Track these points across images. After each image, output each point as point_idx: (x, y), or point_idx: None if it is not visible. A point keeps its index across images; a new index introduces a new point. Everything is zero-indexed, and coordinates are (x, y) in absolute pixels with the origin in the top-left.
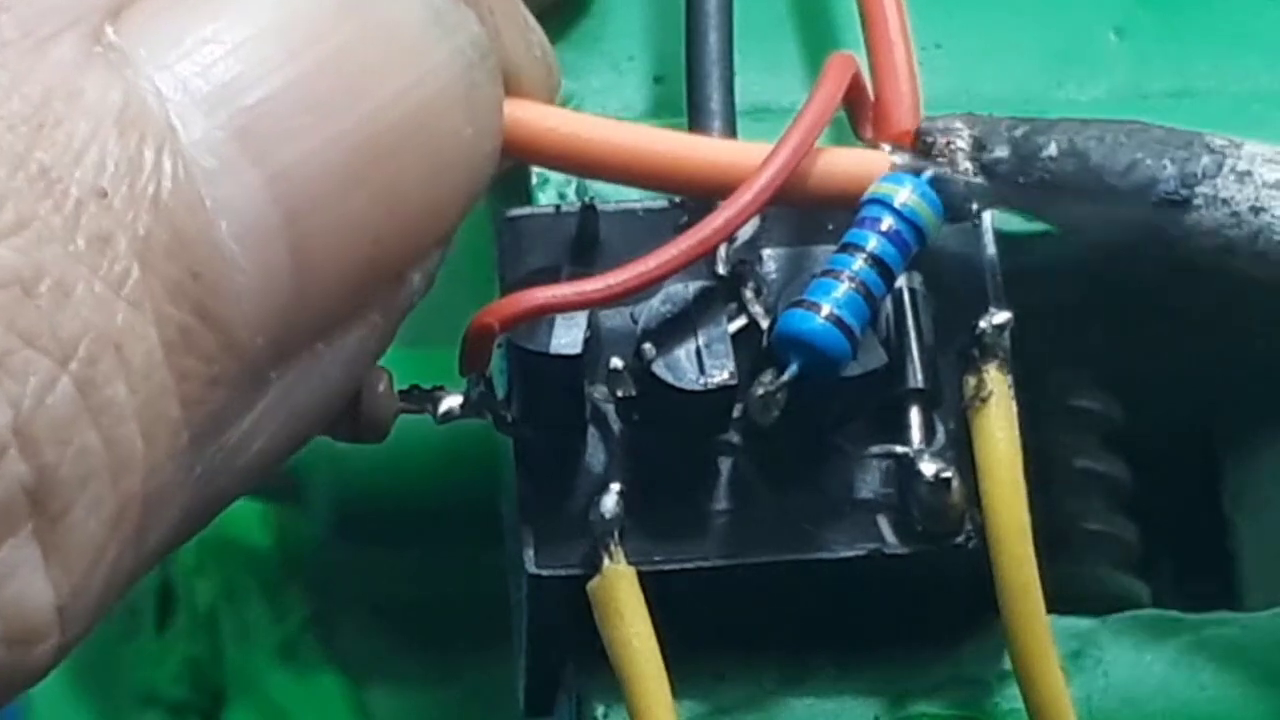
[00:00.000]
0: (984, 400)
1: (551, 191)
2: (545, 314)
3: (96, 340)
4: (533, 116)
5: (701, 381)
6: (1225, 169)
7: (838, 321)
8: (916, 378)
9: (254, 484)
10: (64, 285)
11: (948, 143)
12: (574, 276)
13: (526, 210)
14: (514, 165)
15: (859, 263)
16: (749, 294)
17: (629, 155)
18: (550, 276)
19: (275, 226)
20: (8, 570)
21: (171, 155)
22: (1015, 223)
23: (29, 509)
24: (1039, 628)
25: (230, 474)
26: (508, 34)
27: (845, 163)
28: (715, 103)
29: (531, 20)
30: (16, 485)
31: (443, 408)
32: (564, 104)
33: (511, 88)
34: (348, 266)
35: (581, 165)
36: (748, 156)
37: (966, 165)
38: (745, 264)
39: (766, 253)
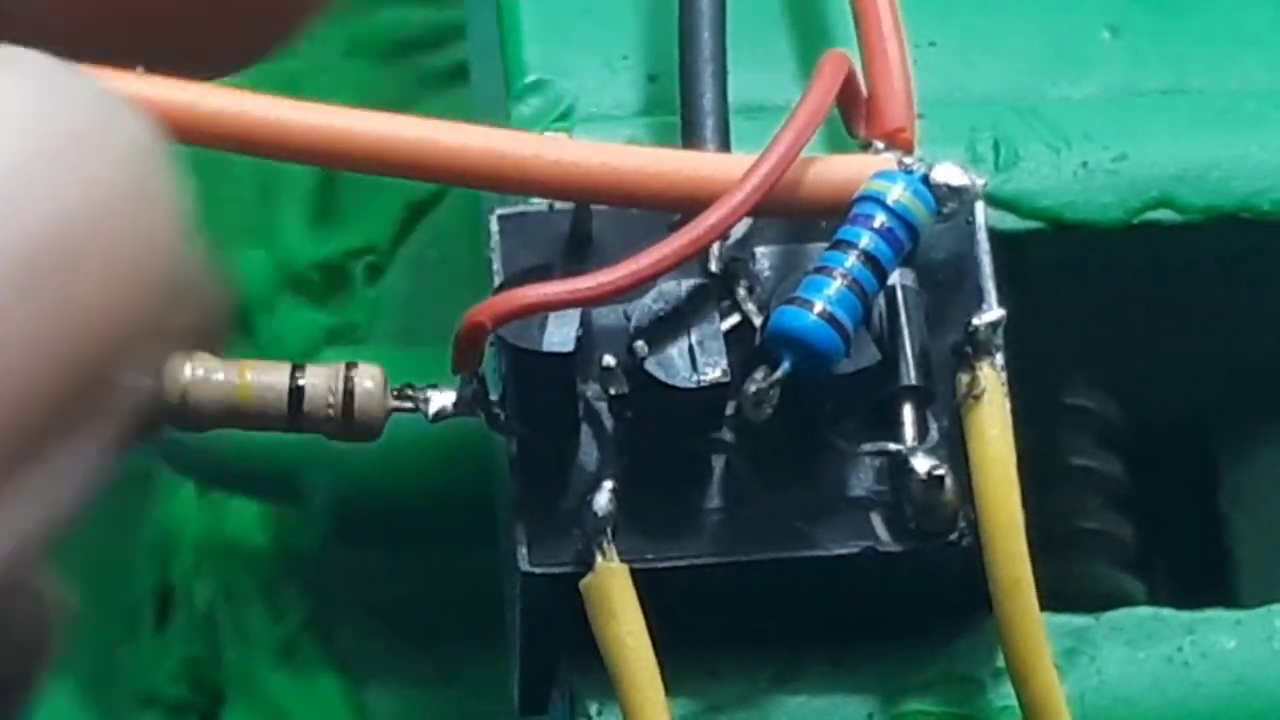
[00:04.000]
0: (977, 397)
1: None
2: (537, 312)
3: None
4: (517, 146)
5: (694, 379)
6: None
7: (830, 319)
8: (910, 375)
9: None
10: None
11: None
12: (567, 274)
13: (519, 208)
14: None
15: (852, 260)
16: (742, 291)
17: (629, 180)
18: (543, 274)
19: None
20: None
21: None
22: (1009, 220)
23: None
24: (1032, 625)
25: None
26: None
27: (837, 171)
28: (708, 101)
29: None
30: None
31: (435, 406)
32: (560, 103)
33: None
34: (35, 383)
35: (580, 194)
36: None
37: None
38: (738, 261)
39: (759, 250)
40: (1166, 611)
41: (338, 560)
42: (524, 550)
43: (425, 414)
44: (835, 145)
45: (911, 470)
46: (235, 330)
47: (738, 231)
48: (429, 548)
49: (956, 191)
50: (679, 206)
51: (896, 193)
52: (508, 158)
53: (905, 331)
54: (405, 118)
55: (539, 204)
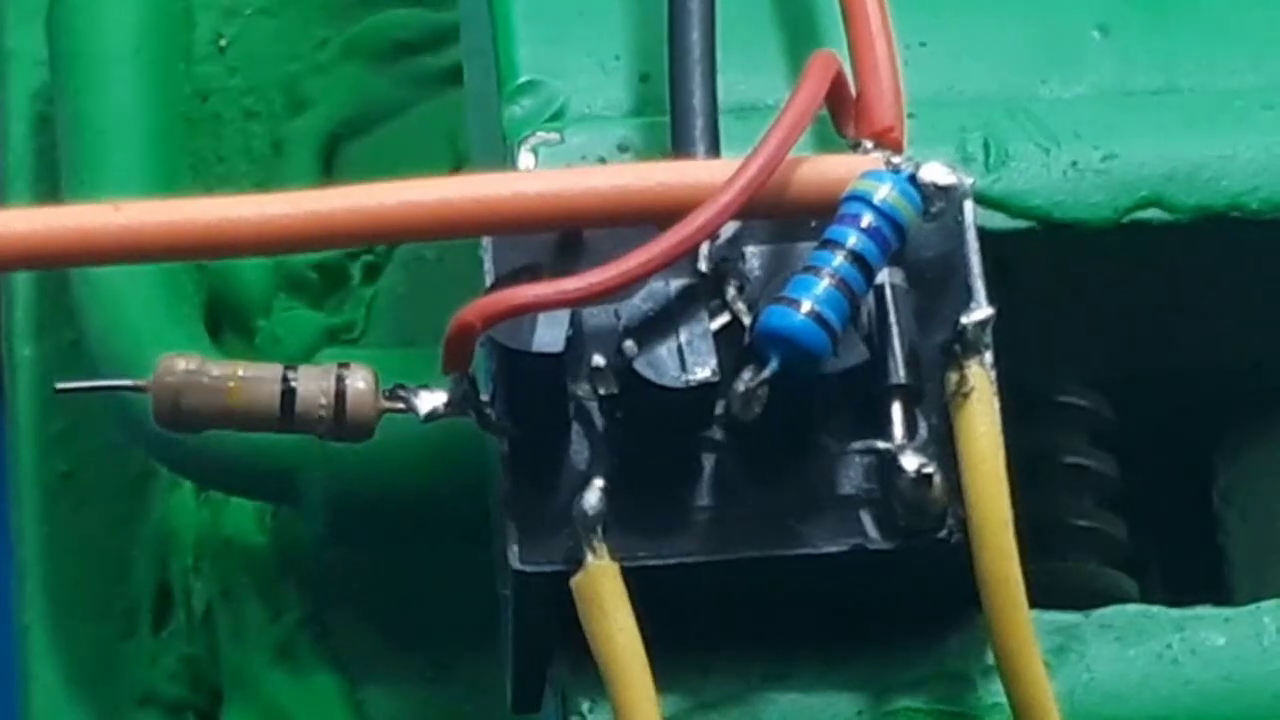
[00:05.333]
0: (966, 395)
1: None
2: (526, 312)
3: None
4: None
5: (683, 379)
6: None
7: (818, 318)
8: (898, 373)
9: None
10: None
11: None
12: (557, 275)
13: None
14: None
15: (839, 259)
16: (731, 291)
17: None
18: (534, 275)
19: None
20: None
21: None
22: (999, 219)
23: None
24: (1021, 622)
25: None
26: None
27: (826, 170)
28: (698, 100)
29: None
30: None
31: (426, 407)
32: (552, 103)
33: None
34: None
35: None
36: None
37: None
38: (727, 261)
39: (748, 250)
40: (1156, 609)
41: (334, 559)
42: (515, 549)
43: (417, 414)
44: (825, 145)
45: (900, 468)
46: (233, 331)
47: (727, 231)
48: (424, 546)
49: (944, 190)
50: (672, 218)
51: (883, 192)
52: (489, 202)
53: (894, 330)
54: (372, 187)
55: None
